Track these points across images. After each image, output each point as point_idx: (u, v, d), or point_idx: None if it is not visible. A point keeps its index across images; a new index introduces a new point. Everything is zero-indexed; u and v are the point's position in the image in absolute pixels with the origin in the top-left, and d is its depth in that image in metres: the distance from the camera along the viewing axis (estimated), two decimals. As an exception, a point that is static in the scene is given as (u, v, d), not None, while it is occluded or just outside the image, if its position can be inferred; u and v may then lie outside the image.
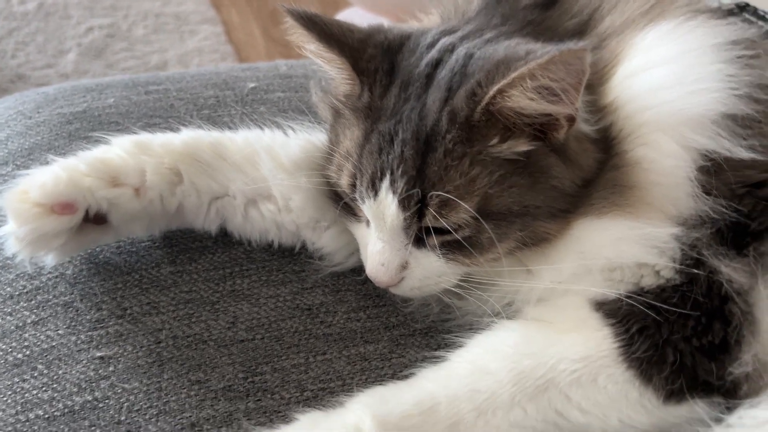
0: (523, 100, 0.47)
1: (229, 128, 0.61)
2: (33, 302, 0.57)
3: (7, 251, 0.55)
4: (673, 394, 0.48)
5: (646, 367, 0.48)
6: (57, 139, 0.70)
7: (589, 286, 0.50)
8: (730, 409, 0.49)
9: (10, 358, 0.54)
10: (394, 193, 0.49)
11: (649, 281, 0.50)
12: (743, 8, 0.63)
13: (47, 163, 0.67)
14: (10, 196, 0.53)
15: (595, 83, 0.52)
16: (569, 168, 0.49)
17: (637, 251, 0.49)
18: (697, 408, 0.49)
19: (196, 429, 0.50)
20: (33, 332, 0.55)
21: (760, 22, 0.59)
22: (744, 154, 0.48)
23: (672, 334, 0.49)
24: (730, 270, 0.48)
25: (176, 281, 0.58)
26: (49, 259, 0.56)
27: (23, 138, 0.71)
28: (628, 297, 0.49)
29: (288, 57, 2.57)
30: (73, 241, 0.55)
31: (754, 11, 0.63)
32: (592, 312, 0.50)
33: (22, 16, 2.30)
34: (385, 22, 2.09)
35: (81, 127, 0.71)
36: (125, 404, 0.51)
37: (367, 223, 0.54)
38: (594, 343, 0.49)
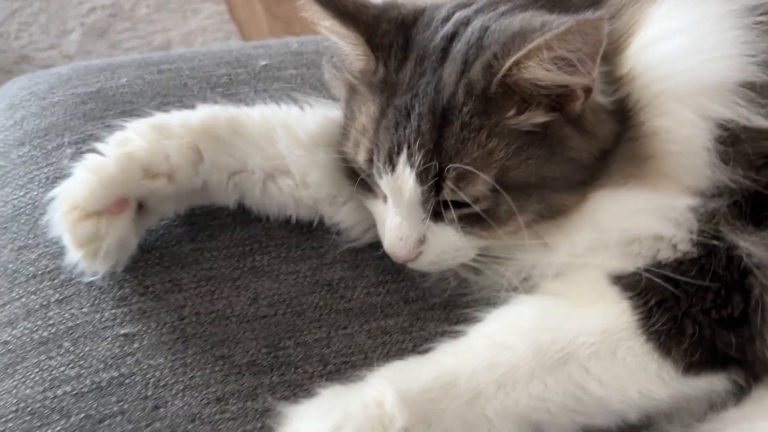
0: (540, 72, 0.47)
1: (245, 104, 0.62)
2: (56, 281, 0.58)
3: (86, 276, 0.55)
4: (692, 366, 0.49)
5: (665, 340, 0.49)
6: (72, 120, 0.70)
7: (607, 260, 0.51)
8: (750, 386, 0.50)
9: (36, 337, 0.55)
10: (411, 167, 0.50)
11: (666, 254, 0.51)
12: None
13: (63, 145, 0.69)
14: (63, 223, 0.54)
15: (610, 54, 0.52)
16: (586, 139, 0.50)
17: (653, 223, 0.49)
18: (716, 381, 0.50)
19: (222, 403, 0.52)
20: (57, 311, 0.56)
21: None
22: (763, 122, 0.48)
23: (691, 307, 0.49)
24: (748, 244, 0.48)
25: (197, 258, 0.59)
26: (102, 270, 0.56)
27: (38, 119, 0.72)
28: (646, 270, 0.50)
29: (290, 33, 2.55)
30: (126, 240, 0.55)
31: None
32: (610, 286, 0.51)
33: (25, -3, 2.30)
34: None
35: (95, 107, 0.71)
36: (151, 380, 0.52)
37: (384, 199, 0.55)
38: (612, 316, 0.50)
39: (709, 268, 0.49)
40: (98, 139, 0.67)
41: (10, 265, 0.60)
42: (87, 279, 0.56)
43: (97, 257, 0.53)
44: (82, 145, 0.68)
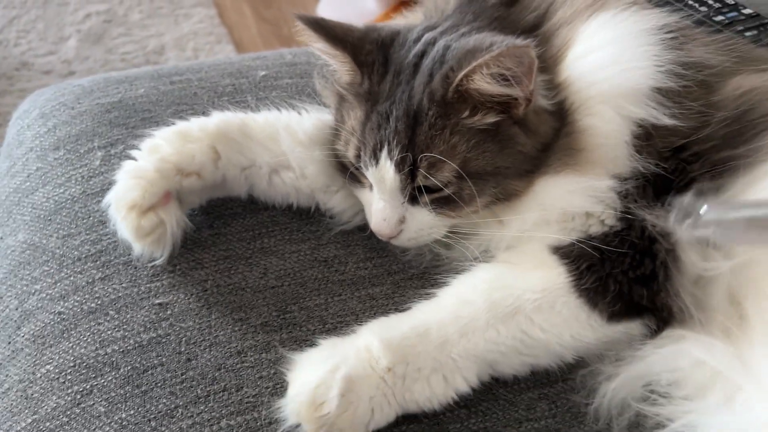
0: (483, 84, 0.58)
1: (250, 110, 0.73)
2: (98, 262, 0.69)
3: (144, 257, 0.67)
4: (614, 315, 0.60)
5: (593, 295, 0.60)
6: (99, 126, 0.81)
7: (548, 234, 0.62)
8: (659, 329, 0.61)
9: (85, 308, 0.66)
10: (391, 159, 0.61)
11: (595, 229, 0.62)
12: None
13: (94, 148, 0.79)
14: (126, 221, 0.64)
15: (550, 65, 0.64)
16: (530, 136, 0.61)
17: (583, 201, 0.61)
18: (633, 326, 0.62)
19: (242, 355, 0.63)
20: (101, 286, 0.67)
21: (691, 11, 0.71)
22: (667, 121, 0.60)
23: (613, 269, 0.60)
24: (652, 217, 0.59)
25: (215, 242, 0.70)
26: (167, 251, 0.66)
27: (69, 126, 0.82)
28: (579, 242, 0.61)
29: (279, 36, 2.65)
30: (181, 221, 0.67)
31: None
32: (550, 255, 0.62)
33: (21, 5, 2.38)
34: (369, 2, 2.17)
35: (119, 115, 0.82)
36: (183, 339, 0.64)
37: (370, 187, 0.66)
38: (552, 278, 0.60)
39: (628, 238, 0.60)
40: (124, 142, 0.78)
41: (57, 251, 0.71)
42: (156, 263, 0.67)
43: (162, 240, 0.64)
44: (111, 148, 0.79)
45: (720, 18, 0.97)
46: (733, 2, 1.00)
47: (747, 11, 0.98)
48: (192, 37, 2.31)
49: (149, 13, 2.37)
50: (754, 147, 0.61)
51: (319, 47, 0.66)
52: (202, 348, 0.63)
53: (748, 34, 0.95)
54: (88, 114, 0.83)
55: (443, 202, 0.63)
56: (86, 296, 0.67)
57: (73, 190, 0.75)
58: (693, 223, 0.52)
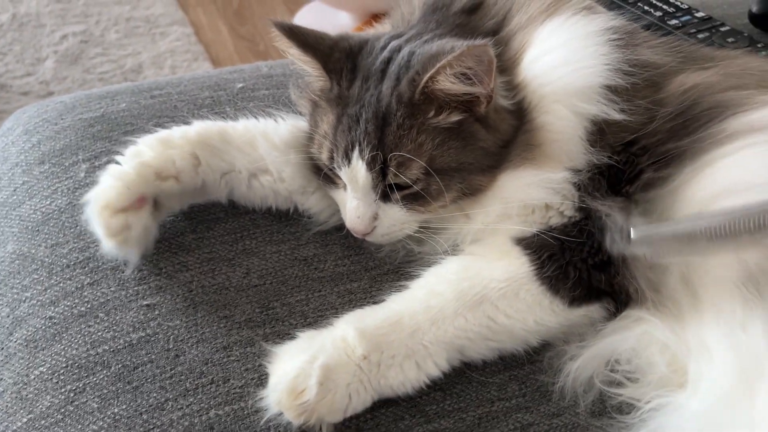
0: (447, 84, 0.63)
1: (230, 119, 0.77)
2: (86, 269, 0.72)
3: (110, 256, 0.69)
4: (575, 299, 0.64)
5: (555, 282, 0.64)
6: (83, 140, 0.84)
7: (511, 226, 0.66)
8: (618, 311, 0.66)
9: (76, 311, 0.69)
10: (362, 159, 0.65)
11: (555, 220, 0.66)
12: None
13: (78, 161, 0.82)
14: (98, 219, 0.66)
15: (509, 67, 0.69)
16: (491, 133, 0.66)
17: (541, 193, 0.65)
18: (592, 309, 0.66)
19: (228, 350, 0.66)
20: (90, 291, 0.70)
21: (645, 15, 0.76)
22: (617, 116, 0.65)
23: (573, 257, 0.64)
24: (605, 207, 0.64)
25: (199, 245, 0.74)
26: (134, 255, 0.69)
27: (53, 141, 0.85)
28: (540, 233, 0.65)
29: (255, 52, 2.69)
30: (149, 228, 0.69)
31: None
32: (514, 246, 0.66)
33: (-3, 28, 2.39)
34: (343, 15, 2.25)
35: (102, 129, 0.85)
36: (171, 336, 0.67)
37: (344, 187, 0.70)
38: (515, 267, 0.64)
39: (586, 228, 0.65)
40: (108, 154, 0.81)
41: (47, 259, 0.74)
42: (128, 270, 0.70)
43: (128, 243, 0.67)
44: (95, 160, 0.82)
45: (674, 22, 1.03)
46: (686, 6, 1.06)
47: (699, 15, 1.04)
48: (169, 55, 2.34)
49: (126, 33, 2.40)
50: (698, 138, 0.65)
51: (292, 53, 0.70)
52: (189, 345, 0.66)
53: (700, 36, 1.00)
54: (71, 129, 0.86)
55: (413, 198, 0.67)
56: (76, 300, 0.70)
57: (60, 201, 0.78)
58: (626, 244, 0.58)
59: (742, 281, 0.59)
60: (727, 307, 0.59)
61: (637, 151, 0.66)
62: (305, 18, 2.37)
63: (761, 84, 0.69)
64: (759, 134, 0.63)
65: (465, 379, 0.65)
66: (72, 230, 0.75)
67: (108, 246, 0.68)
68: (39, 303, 0.70)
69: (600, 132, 0.66)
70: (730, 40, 1.00)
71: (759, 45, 0.99)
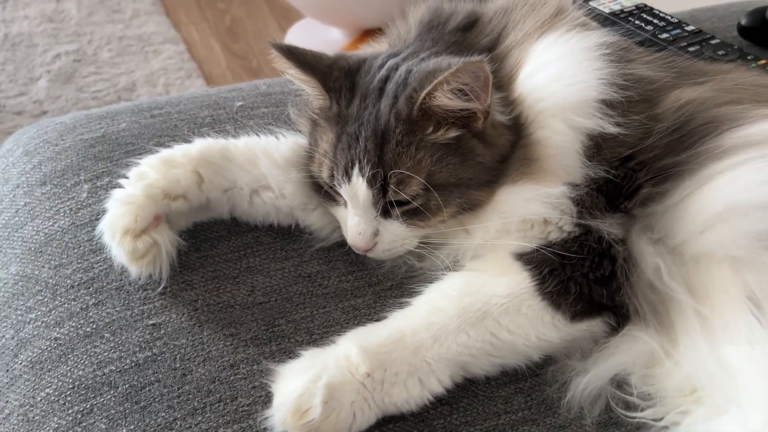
0: (444, 100, 0.64)
1: (231, 137, 0.77)
2: (91, 289, 0.72)
3: (143, 279, 0.70)
4: (576, 314, 0.65)
5: (556, 298, 0.65)
6: (84, 161, 0.85)
7: (510, 242, 0.67)
8: (619, 326, 0.66)
9: (81, 332, 0.69)
10: (362, 177, 0.66)
11: (555, 235, 0.67)
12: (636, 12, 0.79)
13: (80, 182, 0.83)
14: (122, 246, 0.67)
15: (505, 83, 0.70)
16: (489, 148, 0.67)
17: (540, 207, 0.66)
18: (594, 324, 0.66)
19: (234, 368, 0.66)
20: (96, 311, 0.71)
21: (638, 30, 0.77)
22: (612, 129, 0.66)
23: (574, 273, 0.65)
24: (605, 226, 0.65)
25: (203, 263, 0.74)
26: (165, 271, 0.70)
27: (54, 162, 0.86)
28: (540, 248, 0.66)
29: (248, 69, 2.71)
30: (173, 241, 0.71)
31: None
32: (514, 261, 0.66)
33: (-10, 48, 2.40)
34: (335, 32, 2.28)
35: (103, 149, 0.85)
36: (177, 355, 0.67)
37: (345, 205, 0.71)
38: (516, 283, 0.65)
39: (586, 243, 0.65)
40: (110, 175, 0.82)
41: (50, 280, 0.74)
42: (160, 288, 0.71)
43: (159, 260, 0.68)
44: (96, 181, 0.82)
45: (665, 36, 1.05)
46: (676, 20, 1.08)
47: (690, 28, 1.06)
48: (162, 73, 2.35)
49: (119, 51, 2.41)
50: (694, 153, 0.66)
51: (291, 73, 0.71)
52: (196, 363, 0.67)
53: (691, 49, 1.02)
54: (72, 149, 0.86)
55: (413, 214, 0.68)
56: (81, 321, 0.70)
57: (62, 222, 0.79)
58: None
59: (746, 300, 0.60)
60: (741, 325, 0.60)
61: (635, 167, 0.68)
62: (297, 35, 2.39)
63: (755, 98, 0.71)
64: (756, 149, 0.64)
65: (471, 393, 0.66)
66: (75, 251, 0.76)
67: (139, 269, 0.69)
68: (44, 324, 0.71)
69: (597, 147, 0.67)
70: (720, 52, 1.02)
71: (749, 57, 1.01)
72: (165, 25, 2.55)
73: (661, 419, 0.62)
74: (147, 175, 0.70)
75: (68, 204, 0.81)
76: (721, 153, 0.64)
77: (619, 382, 0.65)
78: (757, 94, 0.71)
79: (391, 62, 0.70)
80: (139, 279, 0.71)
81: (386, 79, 0.69)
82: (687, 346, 0.62)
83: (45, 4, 2.59)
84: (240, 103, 0.93)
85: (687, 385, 0.62)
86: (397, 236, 0.69)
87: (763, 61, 1.00)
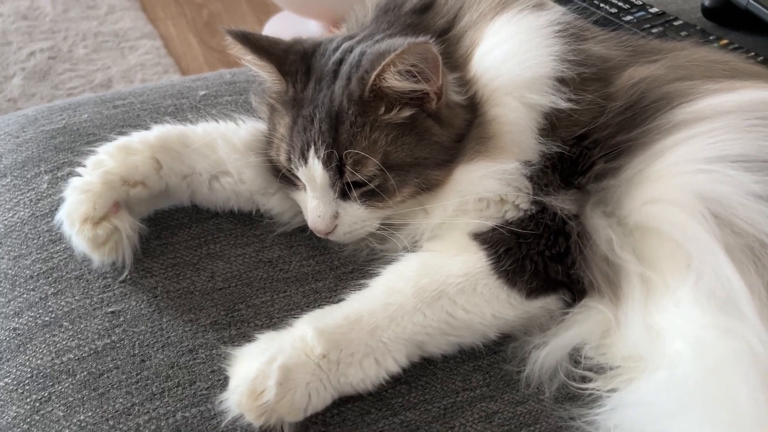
0: (394, 82, 0.64)
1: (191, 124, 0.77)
2: (50, 279, 0.72)
3: (105, 267, 0.70)
4: (532, 291, 0.66)
5: (511, 276, 0.65)
6: (45, 152, 0.84)
7: (467, 221, 0.67)
8: (575, 301, 0.67)
9: (40, 321, 0.69)
10: (318, 158, 0.66)
11: (511, 214, 0.67)
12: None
13: (40, 173, 0.82)
14: (82, 234, 0.67)
15: (461, 63, 0.70)
16: (444, 128, 0.67)
17: (495, 185, 0.66)
18: (549, 300, 0.67)
19: (194, 353, 0.66)
20: (54, 301, 0.70)
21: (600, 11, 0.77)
22: (565, 105, 0.66)
23: (530, 250, 0.66)
24: (559, 202, 0.65)
25: (163, 251, 0.74)
26: (129, 258, 0.70)
27: (15, 154, 0.85)
28: (497, 228, 0.66)
29: (226, 63, 2.71)
30: (135, 227, 0.70)
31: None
32: (471, 241, 0.67)
33: (-38, 47, 2.37)
34: (312, 24, 2.27)
35: (64, 140, 0.85)
36: (136, 342, 0.67)
37: (304, 188, 0.71)
38: (473, 262, 0.65)
39: (542, 221, 0.66)
40: (71, 165, 0.82)
41: (10, 271, 0.73)
42: (123, 276, 0.70)
43: (120, 247, 0.68)
44: (57, 171, 0.82)
45: (629, 18, 1.06)
46: (640, 2, 1.09)
47: (653, 10, 1.07)
48: (139, 69, 2.33)
49: (94, 48, 2.39)
50: (646, 129, 0.67)
51: (248, 59, 0.71)
52: (155, 349, 0.67)
53: (654, 30, 1.03)
54: (33, 141, 0.86)
55: (371, 195, 0.68)
56: (40, 311, 0.70)
57: (22, 213, 0.78)
58: None
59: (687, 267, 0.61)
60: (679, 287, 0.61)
61: (589, 145, 0.68)
62: (275, 27, 2.38)
63: (707, 74, 0.72)
64: (704, 123, 0.65)
65: (429, 372, 0.66)
66: (35, 241, 0.75)
67: (100, 257, 0.68)
68: (2, 315, 0.70)
69: (551, 126, 0.67)
70: (683, 33, 1.02)
71: (711, 38, 1.01)
72: (141, 21, 2.53)
73: (610, 390, 0.62)
74: (104, 163, 0.70)
75: (28, 195, 0.80)
76: (672, 128, 0.65)
77: (576, 358, 0.66)
78: (709, 69, 0.71)
79: (345, 45, 0.70)
80: (102, 266, 0.70)
81: (341, 62, 0.69)
82: (627, 313, 0.63)
83: (19, 1, 2.57)
84: (203, 92, 0.92)
85: (633, 353, 0.63)
86: (357, 218, 0.70)
87: (724, 41, 1.01)
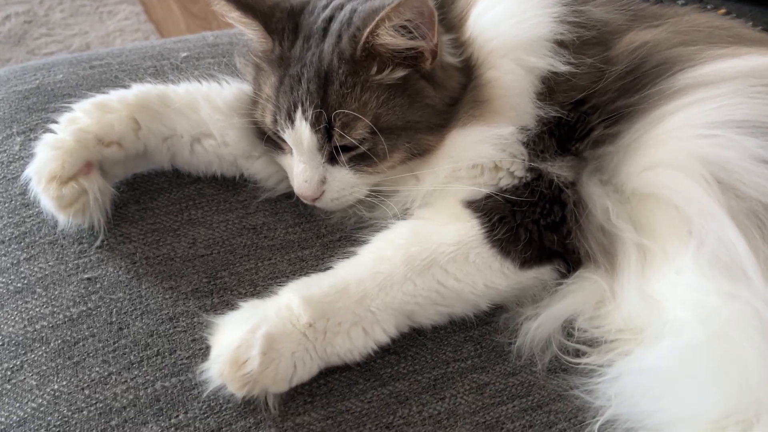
0: (388, 38, 0.61)
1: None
2: (22, 244, 0.69)
3: (72, 229, 0.67)
4: (525, 261, 0.64)
5: (505, 245, 0.63)
6: (18, 113, 0.80)
7: (460, 187, 0.65)
8: (569, 272, 0.65)
9: (11, 288, 0.66)
10: (306, 120, 0.63)
11: (506, 181, 0.65)
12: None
13: (12, 134, 0.79)
14: (48, 192, 0.63)
15: (456, 25, 0.67)
16: (438, 90, 0.64)
17: (490, 150, 0.64)
18: (543, 271, 0.65)
19: (174, 321, 0.64)
20: (27, 266, 0.67)
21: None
22: (564, 68, 0.64)
23: (524, 219, 0.64)
24: (555, 169, 0.63)
25: (142, 216, 0.71)
26: (99, 222, 0.67)
27: (-14, 115, 0.81)
28: (490, 195, 0.64)
29: (207, 30, 2.62)
30: (105, 190, 0.67)
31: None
32: (464, 209, 0.65)
33: (-65, 11, 2.28)
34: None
35: (38, 101, 0.81)
36: (114, 309, 0.64)
37: (291, 152, 0.68)
38: (465, 231, 0.63)
39: (538, 189, 0.64)
40: (44, 126, 0.77)
41: (-21, 236, 0.70)
42: (98, 241, 0.67)
43: (87, 209, 0.64)
44: (30, 133, 0.78)
45: (625, -15, 1.03)
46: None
47: (649, -22, 1.04)
48: (118, 35, 2.26)
49: (71, 12, 2.31)
50: (646, 95, 0.65)
51: (233, 17, 0.67)
52: (133, 317, 0.64)
53: (650, -3, 1.01)
54: (4, 102, 0.82)
55: (360, 160, 0.65)
56: (12, 277, 0.67)
57: (-7, 176, 0.75)
58: None
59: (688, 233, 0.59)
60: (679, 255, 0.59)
61: (588, 110, 0.66)
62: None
63: (709, 40, 0.69)
64: (706, 89, 0.63)
65: (419, 342, 0.65)
66: (6, 205, 0.72)
67: (66, 218, 0.65)
68: (-28, 281, 0.67)
69: (549, 90, 0.65)
70: (680, 2, 1.00)
71: (709, 6, 0.99)
72: (120, -15, 2.45)
73: (604, 363, 0.61)
74: (79, 120, 0.66)
75: (-1, 157, 0.76)
76: (673, 93, 0.63)
77: (569, 331, 0.64)
78: (711, 35, 0.69)
79: (335, 2, 0.67)
80: (68, 228, 0.67)
81: (330, 19, 0.66)
82: (623, 283, 0.61)
83: (-7, -38, 2.47)
84: (185, 54, 0.89)
85: (628, 325, 0.61)
86: (345, 184, 0.67)
87: (722, 11, 0.99)
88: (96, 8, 2.34)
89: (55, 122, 0.69)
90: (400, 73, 0.63)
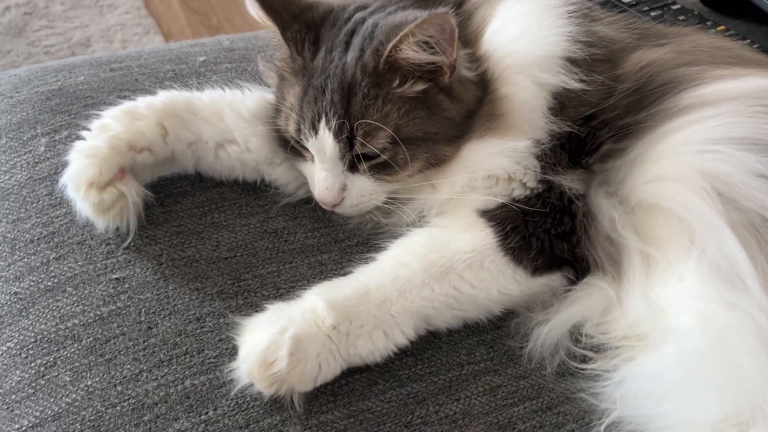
0: (410, 53, 0.63)
1: (195, 91, 0.76)
2: (51, 243, 0.71)
3: (109, 232, 0.70)
4: (537, 269, 0.67)
5: (518, 253, 0.66)
6: (41, 114, 0.82)
7: (475, 197, 0.68)
8: (578, 279, 0.69)
9: (42, 286, 0.68)
10: (329, 129, 0.66)
11: (518, 192, 0.68)
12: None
13: (37, 135, 0.81)
14: (88, 199, 0.66)
15: (472, 40, 0.70)
16: (455, 103, 0.67)
17: (505, 162, 0.67)
18: (554, 278, 0.69)
19: (201, 321, 0.66)
20: (57, 266, 0.69)
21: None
22: (576, 85, 0.67)
23: (536, 229, 0.67)
24: (566, 181, 0.67)
25: (167, 218, 0.73)
26: (134, 224, 0.69)
27: (9, 115, 0.83)
28: (504, 205, 0.67)
29: (208, 26, 2.63)
30: (140, 193, 0.69)
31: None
32: (479, 218, 0.68)
33: (-66, 1, 2.27)
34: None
35: (60, 102, 0.83)
36: (142, 309, 0.67)
37: (312, 159, 0.71)
38: (480, 239, 0.66)
39: (549, 200, 0.67)
40: (68, 128, 0.80)
41: (9, 234, 0.72)
42: (127, 242, 0.70)
43: (125, 212, 0.67)
44: (54, 134, 0.80)
45: (628, 0, 1.06)
46: (639, -15, 1.09)
47: (652, -7, 1.08)
48: (119, 29, 2.27)
49: (72, 5, 2.31)
50: (653, 113, 0.68)
51: (259, 15, 0.70)
52: (161, 317, 0.67)
53: (653, 13, 1.04)
54: (27, 102, 0.84)
55: (380, 168, 0.68)
56: (42, 276, 0.69)
57: (20, 176, 0.77)
58: None
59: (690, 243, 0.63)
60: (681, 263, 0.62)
61: (597, 125, 0.69)
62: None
63: (712, 60, 0.73)
64: (709, 108, 0.66)
65: (435, 345, 0.68)
66: (34, 205, 0.74)
67: (105, 222, 0.68)
68: (2, 279, 0.69)
69: (561, 106, 0.68)
70: (681, 18, 1.04)
71: (708, 23, 1.03)
72: (121, -21, 2.45)
73: (609, 369, 0.64)
74: (110, 127, 0.69)
75: (25, 158, 0.78)
76: (678, 111, 0.66)
77: (576, 337, 0.67)
78: (713, 56, 0.73)
79: (358, 16, 0.70)
80: (106, 232, 0.70)
81: (353, 33, 0.68)
82: (629, 290, 0.65)
83: (-8, -47, 2.46)
84: (203, 58, 0.91)
85: (633, 332, 0.65)
86: (364, 191, 0.70)
87: (722, 27, 1.03)
88: (96, 1, 2.34)
89: (81, 127, 0.71)
90: (420, 87, 0.66)
